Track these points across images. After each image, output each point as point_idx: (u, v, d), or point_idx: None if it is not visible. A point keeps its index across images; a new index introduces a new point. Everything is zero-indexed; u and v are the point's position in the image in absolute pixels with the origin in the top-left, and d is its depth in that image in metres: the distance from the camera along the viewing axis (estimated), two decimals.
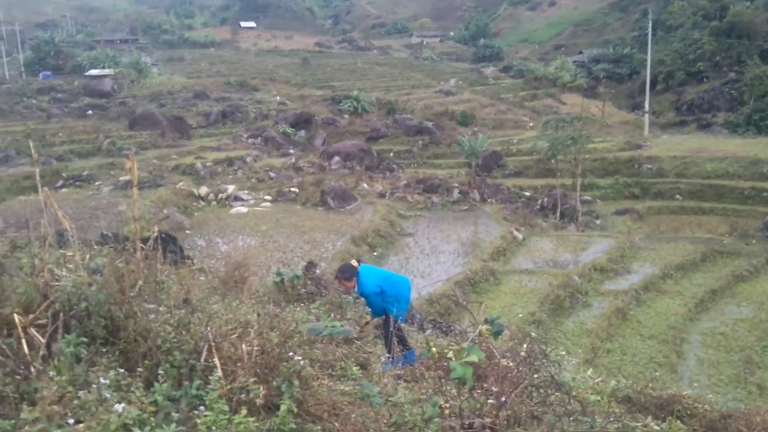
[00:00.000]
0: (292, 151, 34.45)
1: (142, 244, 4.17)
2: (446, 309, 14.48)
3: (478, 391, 3.95)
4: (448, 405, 3.37)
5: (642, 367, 13.04)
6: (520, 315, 14.55)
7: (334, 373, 5.65)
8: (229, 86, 51.23)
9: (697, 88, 55.06)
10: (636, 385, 5.85)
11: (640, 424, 4.68)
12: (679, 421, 4.74)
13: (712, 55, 55.86)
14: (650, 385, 5.99)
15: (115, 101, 44.80)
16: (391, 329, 6.28)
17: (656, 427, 4.58)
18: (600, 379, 6.33)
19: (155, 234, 4.63)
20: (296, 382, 4.24)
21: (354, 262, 6.61)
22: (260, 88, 52.23)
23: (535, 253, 20.69)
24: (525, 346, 4.84)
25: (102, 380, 3.26)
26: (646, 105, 47.34)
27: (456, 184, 27.61)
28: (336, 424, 4.14)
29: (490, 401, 3.78)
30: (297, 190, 25.09)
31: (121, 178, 23.94)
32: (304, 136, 38.77)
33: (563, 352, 11.02)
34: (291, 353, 4.66)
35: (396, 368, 5.80)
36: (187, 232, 18.79)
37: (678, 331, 14.92)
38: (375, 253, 18.27)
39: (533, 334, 11.88)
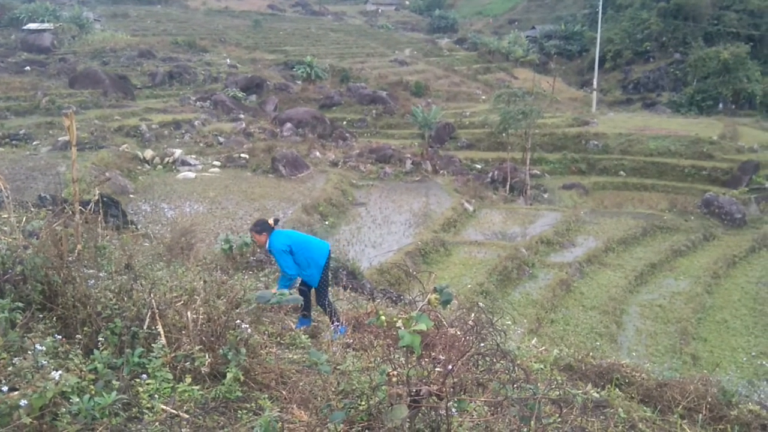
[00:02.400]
0: (242, 116, 33.48)
1: (81, 208, 3.96)
2: (397, 279, 14.60)
3: (427, 359, 3.97)
4: (395, 373, 3.36)
5: (584, 336, 13.53)
6: (469, 285, 14.81)
7: (282, 341, 5.61)
8: (177, 46, 48.92)
9: (644, 67, 56.46)
10: (577, 354, 6.03)
11: (580, 391, 4.84)
12: (617, 389, 4.92)
13: (658, 35, 57.24)
14: (591, 354, 6.20)
15: (54, 57, 42.23)
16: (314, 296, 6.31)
17: (596, 395, 4.74)
18: (544, 348, 6.50)
19: (96, 197, 4.41)
20: (243, 350, 4.19)
21: (270, 220, 6.59)
22: (209, 49, 50.15)
23: (484, 225, 21.03)
24: (472, 315, 4.90)
25: (38, 347, 3.11)
26: (595, 82, 48.34)
27: (409, 155, 27.63)
28: (283, 392, 4.11)
29: (437, 369, 3.81)
30: (247, 156, 24.50)
31: (60, 138, 22.73)
32: (255, 101, 37.73)
33: (509, 322, 11.37)
34: (238, 321, 4.60)
35: (302, 329, 5.84)
36: (131, 196, 18.11)
37: (618, 302, 15.52)
38: (327, 222, 18.14)
39: (481, 304, 12.15)
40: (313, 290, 6.66)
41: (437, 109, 31.88)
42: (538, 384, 4.63)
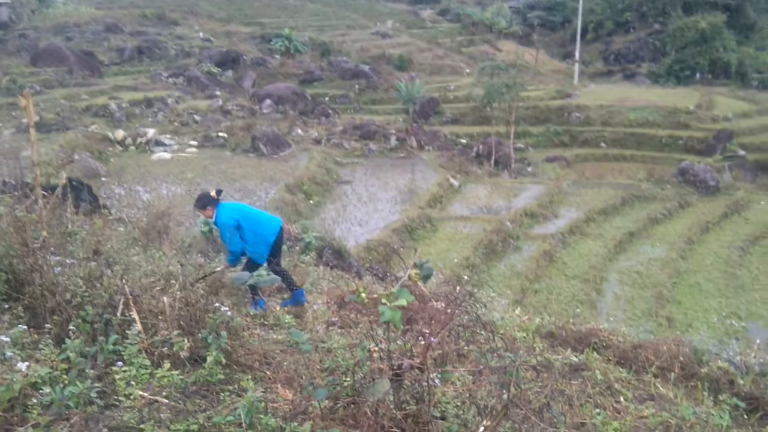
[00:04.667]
0: (218, 92, 32.65)
1: (45, 192, 3.85)
2: (384, 256, 14.64)
3: (409, 333, 4.00)
4: (377, 348, 3.37)
5: (566, 304, 13.79)
6: (456, 260, 14.94)
7: (266, 322, 5.60)
8: (145, 19, 46.89)
9: (624, 38, 56.37)
10: (558, 321, 6.12)
11: (560, 356, 4.92)
12: (595, 353, 5.01)
13: (639, 5, 57.07)
14: (571, 321, 6.29)
15: (13, 34, 40.31)
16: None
17: (575, 359, 4.83)
18: (527, 317, 6.58)
19: (64, 181, 4.30)
20: (224, 333, 4.17)
21: (212, 192, 6.28)
22: (180, 22, 48.09)
23: (470, 200, 21.11)
24: (456, 288, 4.93)
25: (3, 338, 3.04)
26: (577, 54, 48.20)
27: (393, 131, 27.39)
28: (267, 372, 4.12)
29: (420, 342, 3.83)
30: (225, 135, 24.01)
31: (24, 120, 22.07)
32: (231, 76, 36.81)
33: (493, 294, 11.48)
34: (218, 304, 4.56)
35: (257, 309, 5.74)
36: (103, 179, 17.71)
37: (598, 270, 15.81)
38: (311, 201, 18.04)
39: (465, 277, 12.24)
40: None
41: (421, 83, 31.63)
42: (520, 352, 4.71)
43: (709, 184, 23.91)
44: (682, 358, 4.62)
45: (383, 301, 3.44)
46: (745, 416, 3.79)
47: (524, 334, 5.55)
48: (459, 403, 3.56)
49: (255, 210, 6.64)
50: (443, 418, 3.41)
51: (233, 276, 4.48)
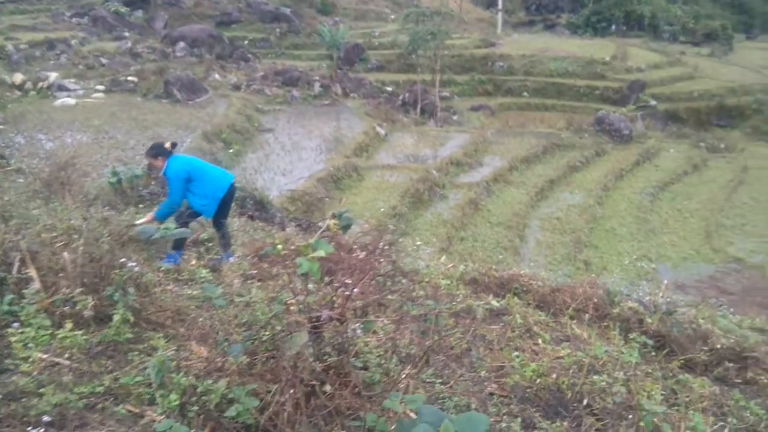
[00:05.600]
0: (127, 34, 30.41)
1: None
2: (309, 206, 14.40)
3: (331, 284, 3.91)
4: (294, 301, 3.26)
5: (490, 251, 14.16)
6: (382, 209, 14.92)
7: (180, 277, 5.34)
8: None
9: None
10: (481, 268, 6.21)
11: (482, 302, 5.00)
12: (516, 297, 5.13)
13: None
14: (494, 267, 6.41)
15: None
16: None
17: (496, 304, 4.93)
18: (451, 265, 6.64)
19: None
20: (132, 290, 3.95)
21: (167, 144, 6.14)
22: None
23: (396, 149, 21.04)
24: (383, 238, 4.87)
25: None
26: (500, 3, 48.30)
27: (317, 78, 26.64)
28: (181, 330, 3.95)
29: (342, 293, 3.77)
30: (136, 79, 22.45)
31: None
32: (141, 17, 34.32)
33: (419, 242, 11.58)
34: (125, 259, 4.29)
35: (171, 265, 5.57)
36: (0, 127, 16.26)
37: (521, 217, 16.31)
38: (231, 150, 17.33)
39: (391, 226, 12.26)
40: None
41: (345, 28, 30.73)
42: (444, 299, 4.75)
43: (623, 133, 24.98)
44: (596, 300, 4.80)
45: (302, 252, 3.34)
46: (653, 353, 4.00)
47: (448, 282, 5.60)
48: (382, 353, 3.53)
49: (207, 164, 6.53)
50: (365, 368, 3.38)
51: (139, 230, 4.19)
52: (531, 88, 31.69)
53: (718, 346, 4.06)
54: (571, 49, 35.49)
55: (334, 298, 3.69)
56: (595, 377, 3.49)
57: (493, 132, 24.05)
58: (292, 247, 4.07)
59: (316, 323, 3.29)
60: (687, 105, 29.78)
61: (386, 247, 4.94)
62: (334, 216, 3.61)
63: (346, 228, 3.67)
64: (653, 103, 29.66)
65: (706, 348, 4.06)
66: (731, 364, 3.90)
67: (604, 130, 25.15)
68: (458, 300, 4.93)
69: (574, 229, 15.83)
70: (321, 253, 3.25)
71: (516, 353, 3.87)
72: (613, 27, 48.19)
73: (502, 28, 45.23)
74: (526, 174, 19.95)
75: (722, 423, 3.22)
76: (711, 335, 4.16)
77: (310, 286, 3.58)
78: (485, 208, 16.90)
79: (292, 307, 3.30)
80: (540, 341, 4.14)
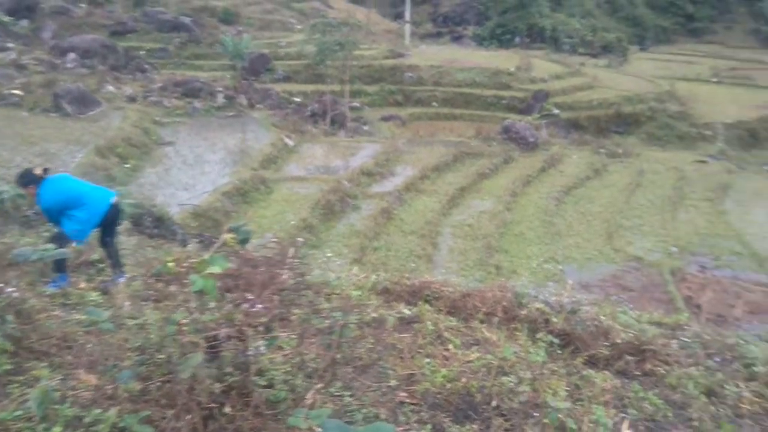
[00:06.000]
0: (11, 44, 28.13)
1: None
2: (214, 222, 13.84)
3: (232, 301, 3.73)
4: (187, 321, 3.06)
5: (403, 260, 14.22)
6: (293, 222, 14.62)
7: (68, 302, 4.94)
8: None
9: (452, 1, 59.06)
10: (393, 277, 6.16)
11: (394, 311, 4.94)
12: (427, 304, 5.11)
13: None
14: (406, 275, 6.38)
15: None
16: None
17: (408, 312, 4.87)
18: (364, 275, 6.55)
19: None
20: (10, 318, 3.59)
21: (38, 170, 5.64)
22: None
23: (306, 160, 20.78)
24: (283, 250, 4.71)
25: None
26: (407, 15, 49.42)
27: (221, 88, 25.85)
28: (68, 357, 3.64)
29: (242, 309, 3.61)
30: (21, 92, 20.68)
31: None
32: (27, 26, 31.94)
33: (329, 254, 11.45)
34: (2, 285, 3.94)
35: (60, 288, 5.21)
36: None
37: (434, 225, 16.53)
38: (127, 165, 16.34)
39: (300, 239, 12.03)
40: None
41: (249, 38, 30.08)
42: (355, 309, 4.65)
43: (529, 140, 26.06)
44: (505, 303, 4.86)
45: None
46: (559, 351, 4.09)
47: (360, 292, 5.50)
48: (288, 369, 3.38)
49: (85, 185, 6.00)
50: (271, 386, 3.24)
51: (15, 252, 3.79)
52: (440, 98, 32.49)
53: (619, 340, 4.20)
54: (477, 60, 36.80)
55: (235, 315, 3.53)
56: (504, 378, 3.51)
57: (404, 142, 24.35)
58: (185, 265, 3.85)
59: (213, 343, 3.11)
60: (587, 113, 31.54)
61: (292, 260, 4.81)
62: (231, 230, 3.41)
63: (244, 242, 3.49)
64: (556, 111, 31.26)
65: (607, 343, 4.19)
66: (631, 358, 4.05)
67: (511, 138, 26.11)
68: (369, 310, 4.85)
69: (485, 235, 16.20)
70: (217, 269, 3.12)
71: (427, 360, 3.83)
72: (517, 39, 50.57)
73: (411, 40, 46.23)
74: (437, 182, 20.30)
75: (623, 414, 3.31)
76: (612, 331, 4.30)
77: (207, 303, 3.40)
78: (398, 217, 17.01)
79: (185, 328, 3.10)
80: (451, 346, 4.13)
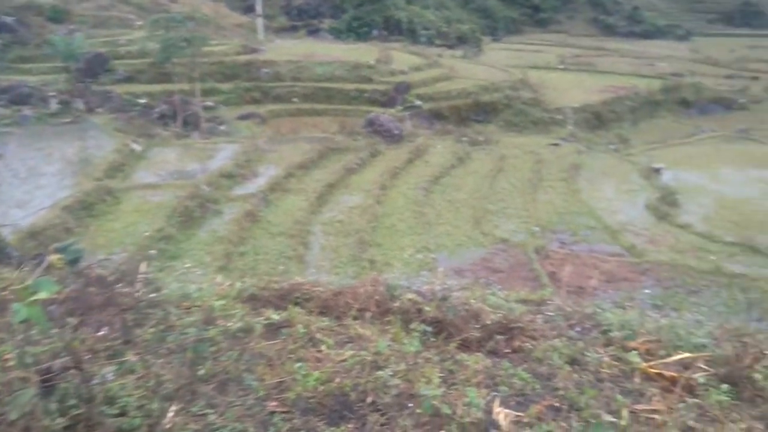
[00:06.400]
0: None
1: None
2: (55, 240, 12.40)
3: (71, 327, 3.27)
4: (13, 355, 2.66)
5: (273, 263, 13.76)
6: (147, 233, 13.60)
7: None
8: None
9: None
10: (260, 282, 5.83)
11: (262, 318, 4.64)
12: (298, 307, 4.87)
13: None
14: (275, 279, 6.06)
15: None
16: None
17: (276, 317, 4.60)
18: (228, 283, 6.14)
19: None
20: None
21: None
22: None
23: (158, 165, 19.45)
24: (131, 267, 4.25)
25: None
26: (258, 8, 48.11)
27: (53, 93, 23.47)
28: None
29: (80, 335, 3.19)
30: None
31: None
32: None
33: (188, 264, 10.71)
34: None
35: None
36: None
37: (303, 224, 16.21)
38: None
39: (153, 251, 11.17)
40: None
41: (82, 36, 27.50)
42: (219, 321, 4.29)
43: (394, 133, 26.52)
44: (377, 297, 4.75)
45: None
46: (433, 338, 4.06)
47: (224, 302, 5.11)
48: (142, 393, 3.01)
49: None
50: (123, 414, 2.87)
51: None
52: (300, 94, 32.02)
53: (489, 322, 4.26)
54: (336, 54, 36.74)
55: (73, 343, 3.13)
56: (379, 373, 3.42)
57: (265, 140, 23.66)
58: (6, 292, 3.34)
59: (47, 375, 2.81)
60: (448, 103, 32.75)
61: (144, 275, 4.38)
62: (57, 250, 2.97)
63: (74, 261, 3.05)
64: (418, 103, 32.11)
65: (478, 326, 4.23)
66: (500, 337, 4.12)
67: (376, 132, 26.38)
68: (234, 320, 4.51)
69: (357, 230, 16.13)
70: (44, 294, 2.73)
71: (299, 364, 3.62)
72: (375, 32, 51.28)
73: (264, 34, 45.08)
74: (304, 180, 19.95)
75: (494, 393, 3.35)
76: (482, 313, 4.35)
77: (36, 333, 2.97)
78: (264, 219, 16.46)
79: (11, 363, 2.78)
80: (323, 347, 3.94)
